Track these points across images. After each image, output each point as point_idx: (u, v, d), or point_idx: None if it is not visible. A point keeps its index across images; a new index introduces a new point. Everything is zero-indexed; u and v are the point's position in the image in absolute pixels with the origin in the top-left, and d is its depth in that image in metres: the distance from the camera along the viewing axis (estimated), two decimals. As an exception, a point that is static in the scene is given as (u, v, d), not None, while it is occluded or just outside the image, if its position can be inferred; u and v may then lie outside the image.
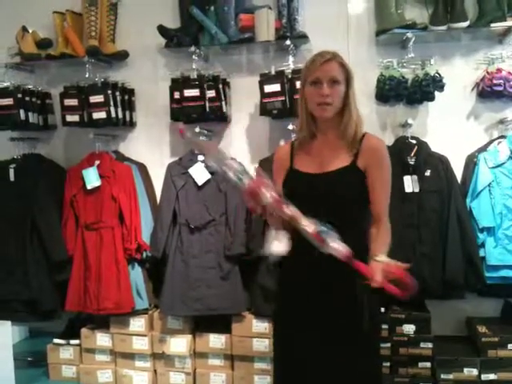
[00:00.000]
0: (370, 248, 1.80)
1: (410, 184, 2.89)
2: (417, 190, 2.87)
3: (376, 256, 1.72)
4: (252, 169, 1.80)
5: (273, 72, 3.01)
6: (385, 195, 1.88)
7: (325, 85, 1.81)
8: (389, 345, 2.87)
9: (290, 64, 3.00)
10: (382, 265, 1.66)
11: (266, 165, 2.66)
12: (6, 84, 3.25)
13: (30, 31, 3.36)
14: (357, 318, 1.81)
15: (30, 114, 3.28)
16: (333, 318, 1.83)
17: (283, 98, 2.94)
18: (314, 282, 1.85)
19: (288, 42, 2.98)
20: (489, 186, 2.88)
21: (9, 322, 2.89)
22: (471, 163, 2.97)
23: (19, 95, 3.23)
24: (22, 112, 3.23)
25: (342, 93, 1.83)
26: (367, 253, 1.77)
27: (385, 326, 2.87)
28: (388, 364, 2.87)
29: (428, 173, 2.89)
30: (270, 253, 1.77)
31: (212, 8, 3.16)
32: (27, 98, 3.28)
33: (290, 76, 2.96)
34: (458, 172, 3.00)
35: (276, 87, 2.94)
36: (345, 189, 1.84)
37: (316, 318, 1.85)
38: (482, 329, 2.90)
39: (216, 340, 3.05)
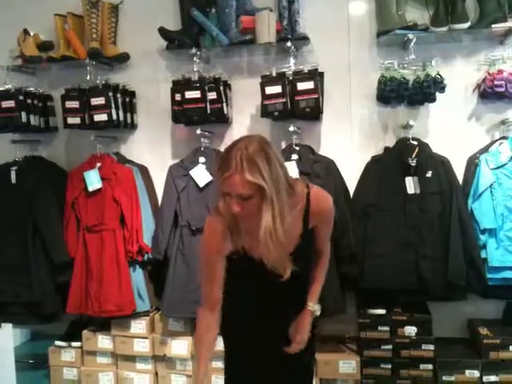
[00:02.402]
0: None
1: (411, 185, 2.88)
2: (418, 191, 2.87)
3: (309, 304, 1.97)
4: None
5: (274, 74, 3.00)
6: (329, 236, 1.99)
7: (234, 200, 1.59)
8: (390, 347, 2.87)
9: (291, 66, 2.99)
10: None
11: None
12: (7, 86, 3.25)
13: (32, 34, 3.36)
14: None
15: (31, 116, 3.28)
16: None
17: (284, 100, 2.93)
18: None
19: (289, 44, 2.97)
20: (490, 187, 2.86)
21: (10, 325, 2.90)
22: (473, 164, 2.96)
23: (21, 98, 3.22)
24: (23, 114, 3.23)
25: (256, 204, 1.60)
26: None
27: (386, 328, 2.87)
28: (389, 366, 2.87)
29: (429, 174, 2.88)
30: None
31: (213, 10, 3.17)
32: (29, 101, 3.28)
33: (291, 78, 2.96)
34: (460, 173, 2.99)
35: (277, 89, 2.93)
36: (307, 258, 1.91)
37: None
38: (484, 330, 2.89)
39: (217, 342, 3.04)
